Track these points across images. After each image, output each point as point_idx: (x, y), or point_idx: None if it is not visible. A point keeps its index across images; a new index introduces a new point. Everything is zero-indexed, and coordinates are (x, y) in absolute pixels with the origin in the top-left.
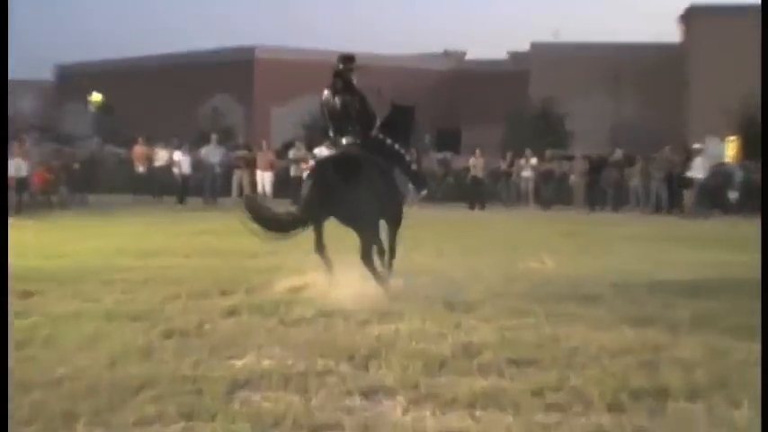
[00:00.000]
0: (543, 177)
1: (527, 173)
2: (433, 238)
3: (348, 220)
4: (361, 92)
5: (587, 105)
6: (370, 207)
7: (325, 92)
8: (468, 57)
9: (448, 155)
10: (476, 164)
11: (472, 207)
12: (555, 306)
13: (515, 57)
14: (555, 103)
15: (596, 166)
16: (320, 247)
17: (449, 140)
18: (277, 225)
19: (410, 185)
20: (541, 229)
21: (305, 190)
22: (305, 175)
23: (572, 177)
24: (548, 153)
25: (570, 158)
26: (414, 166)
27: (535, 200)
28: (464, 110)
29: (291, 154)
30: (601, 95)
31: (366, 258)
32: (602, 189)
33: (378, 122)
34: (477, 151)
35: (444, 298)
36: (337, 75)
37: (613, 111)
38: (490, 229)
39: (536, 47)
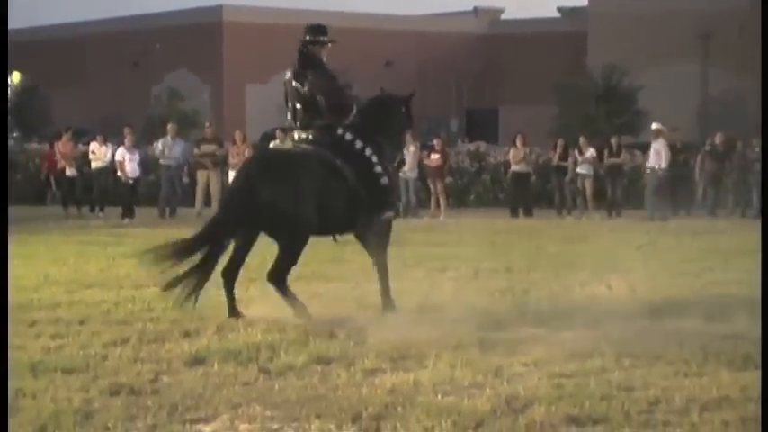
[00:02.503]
0: (609, 173)
1: (583, 168)
2: (466, 254)
3: (271, 227)
4: (330, 73)
5: (666, 76)
6: (299, 215)
7: (288, 72)
8: (507, 15)
9: (481, 145)
10: (517, 156)
11: (515, 213)
12: (627, 344)
13: (569, 14)
14: (622, 75)
15: (681, 157)
16: (230, 269)
17: (482, 126)
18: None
19: (368, 203)
20: (608, 242)
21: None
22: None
23: (648, 172)
24: (614, 140)
25: (645, 147)
26: (384, 180)
27: (596, 203)
28: (502, 85)
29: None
30: (684, 62)
31: (277, 277)
32: (691, 187)
33: (352, 114)
34: (519, 139)
35: (480, 335)
36: (302, 50)
37: (702, 82)
38: (539, 243)
39: (597, 0)
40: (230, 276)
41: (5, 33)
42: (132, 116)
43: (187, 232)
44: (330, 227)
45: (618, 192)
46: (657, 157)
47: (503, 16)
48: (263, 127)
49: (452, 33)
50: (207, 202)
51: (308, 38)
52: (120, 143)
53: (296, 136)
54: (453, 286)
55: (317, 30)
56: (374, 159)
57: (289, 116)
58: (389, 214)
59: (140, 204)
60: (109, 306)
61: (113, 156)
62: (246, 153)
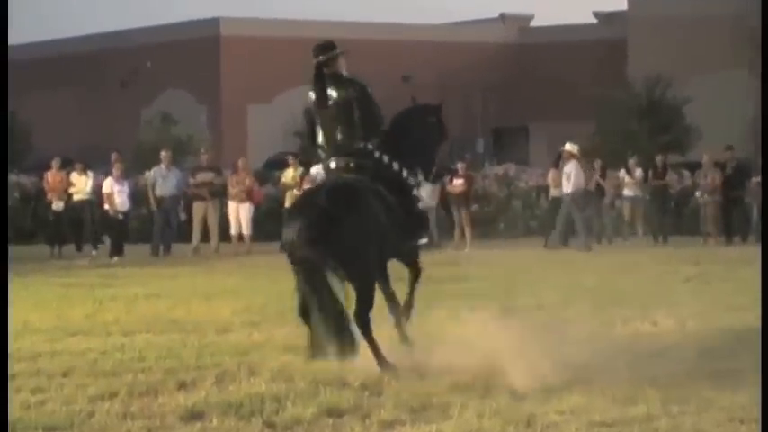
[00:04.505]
0: (654, 196)
1: (630, 190)
2: (495, 289)
3: (342, 266)
4: (359, 82)
5: (716, 87)
6: (369, 251)
7: (310, 96)
8: (537, 22)
9: (510, 167)
10: (556, 178)
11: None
12: (675, 388)
13: (606, 19)
14: (667, 86)
15: (735, 178)
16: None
17: (511, 146)
18: None
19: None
20: (653, 273)
21: (289, 234)
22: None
23: (697, 195)
24: (659, 159)
25: (694, 167)
26: (421, 205)
27: (641, 230)
28: (532, 100)
29: (284, 177)
30: (736, 72)
31: (362, 320)
32: (745, 211)
33: (382, 128)
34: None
35: (511, 380)
36: (318, 70)
37: (755, 94)
38: (578, 275)
39: (637, 3)
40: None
41: (5, 34)
42: (120, 143)
43: (183, 271)
44: (383, 255)
45: (665, 217)
46: (568, 181)
47: (532, 23)
48: (266, 152)
49: (476, 43)
50: (204, 236)
51: (320, 58)
52: (108, 173)
53: (332, 164)
54: (480, 326)
55: (325, 47)
56: (412, 182)
57: (319, 139)
58: (424, 241)
59: (130, 241)
60: (95, 356)
61: (97, 187)
62: (248, 182)
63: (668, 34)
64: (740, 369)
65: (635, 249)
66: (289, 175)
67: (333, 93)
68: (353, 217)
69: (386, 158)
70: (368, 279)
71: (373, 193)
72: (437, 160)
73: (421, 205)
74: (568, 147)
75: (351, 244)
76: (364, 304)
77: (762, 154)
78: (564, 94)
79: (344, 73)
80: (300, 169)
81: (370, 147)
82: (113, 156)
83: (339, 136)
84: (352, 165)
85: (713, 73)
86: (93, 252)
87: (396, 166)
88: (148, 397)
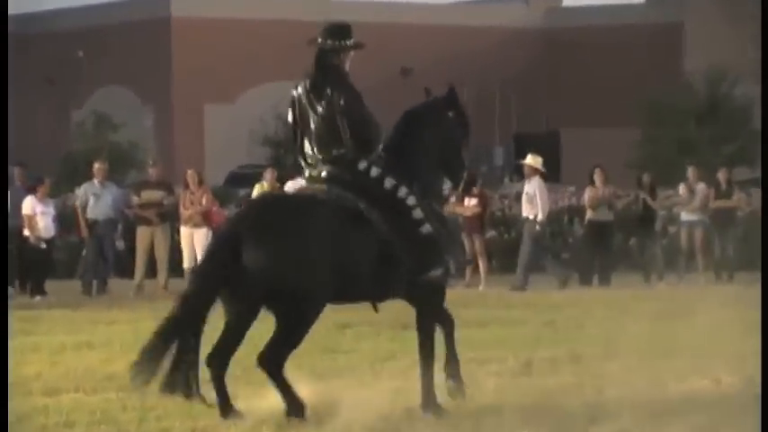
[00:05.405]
0: (717, 221)
1: (689, 213)
2: (515, 338)
3: (268, 299)
4: (353, 88)
5: None
6: (307, 284)
7: (298, 87)
8: (568, 1)
9: None
10: (597, 198)
11: (587, 280)
12: None
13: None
14: (733, 83)
15: None
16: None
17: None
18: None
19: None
20: (715, 318)
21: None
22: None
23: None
24: (722, 175)
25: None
26: (425, 228)
27: (703, 263)
28: (563, 100)
29: (257, 190)
30: None
31: (271, 361)
32: None
33: (377, 151)
34: (598, 175)
35: None
36: (321, 58)
37: None
38: (621, 320)
39: None
40: (218, 364)
41: (5, 36)
42: (45, 152)
43: (122, 314)
44: (356, 293)
45: (729, 247)
46: (531, 204)
47: (564, 3)
48: (228, 164)
49: (495, 28)
50: (151, 270)
51: (329, 42)
52: (30, 191)
53: (307, 173)
54: (498, 384)
55: (339, 32)
56: (410, 201)
57: (306, 147)
58: (436, 273)
59: (56, 275)
60: (12, 420)
61: (15, 207)
62: (204, 201)
63: (735, 17)
64: None
65: (693, 288)
66: (261, 190)
67: (329, 88)
68: (282, 241)
69: (374, 171)
70: (299, 318)
71: (339, 210)
72: (464, 162)
73: (426, 229)
74: (530, 160)
75: (275, 274)
76: (283, 345)
77: (762, 155)
78: (603, 91)
79: (346, 69)
80: (277, 185)
81: (353, 156)
82: (16, 170)
83: (325, 140)
84: (324, 175)
85: None
86: (10, 290)
87: (388, 182)
88: None
